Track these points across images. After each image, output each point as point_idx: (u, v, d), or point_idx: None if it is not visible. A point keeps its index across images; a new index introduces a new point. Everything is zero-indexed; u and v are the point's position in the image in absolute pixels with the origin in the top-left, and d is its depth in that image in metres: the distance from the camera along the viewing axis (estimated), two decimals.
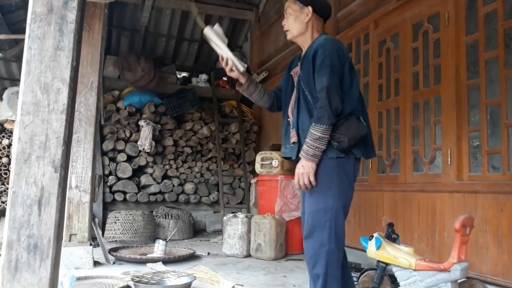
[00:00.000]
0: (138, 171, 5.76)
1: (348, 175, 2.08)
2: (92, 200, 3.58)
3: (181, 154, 6.00)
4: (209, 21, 6.77)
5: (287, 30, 2.26)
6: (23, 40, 1.50)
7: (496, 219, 2.61)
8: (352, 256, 3.80)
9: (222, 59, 2.22)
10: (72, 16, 1.41)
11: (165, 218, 5.28)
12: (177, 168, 5.93)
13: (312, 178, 2.01)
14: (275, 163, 4.47)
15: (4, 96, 4.82)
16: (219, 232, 5.65)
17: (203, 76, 6.59)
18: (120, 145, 5.62)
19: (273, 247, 4.01)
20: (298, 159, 2.11)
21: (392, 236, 2.32)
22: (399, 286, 2.26)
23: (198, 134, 6.07)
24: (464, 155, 2.92)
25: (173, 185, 5.86)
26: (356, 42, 4.15)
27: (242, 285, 2.92)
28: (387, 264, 2.28)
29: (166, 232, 5.08)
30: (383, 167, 3.75)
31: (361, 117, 2.12)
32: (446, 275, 2.09)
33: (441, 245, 2.98)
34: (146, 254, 3.83)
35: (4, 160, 4.41)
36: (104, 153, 5.56)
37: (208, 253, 4.28)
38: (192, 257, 3.94)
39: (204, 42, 7.04)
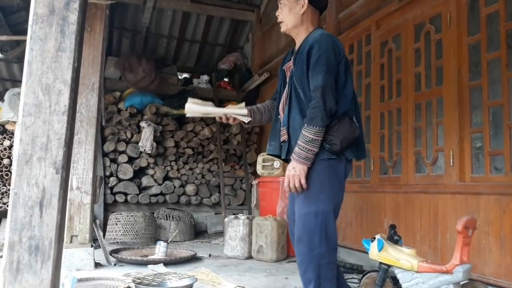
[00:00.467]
0: (139, 172, 5.76)
1: (339, 177, 2.04)
2: (93, 201, 3.58)
3: (182, 155, 5.99)
4: (210, 22, 6.78)
5: (281, 22, 2.18)
6: (24, 41, 1.50)
7: (499, 220, 2.60)
8: (354, 258, 3.80)
9: (221, 118, 2.20)
10: (73, 17, 1.41)
11: (166, 219, 5.28)
12: (178, 170, 5.92)
13: (303, 181, 1.96)
14: (277, 164, 4.47)
15: (6, 97, 4.82)
16: (221, 233, 5.64)
17: (204, 77, 6.59)
18: (121, 146, 5.62)
19: (275, 249, 4.00)
20: (287, 158, 2.08)
21: (394, 238, 2.31)
22: None
23: (199, 135, 6.07)
24: (466, 156, 2.91)
25: (174, 187, 5.85)
26: (358, 43, 4.15)
27: (243, 287, 2.91)
28: (389, 266, 2.27)
29: (167, 234, 5.08)
30: (385, 168, 3.74)
31: (354, 117, 2.07)
32: (449, 277, 2.08)
33: (443, 247, 2.97)
34: (147, 256, 3.83)
35: (6, 161, 4.41)
36: (105, 154, 5.56)
37: (210, 255, 4.27)
38: (193, 259, 3.93)
39: (205, 43, 7.06)
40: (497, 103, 2.84)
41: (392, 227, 2.35)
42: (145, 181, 5.72)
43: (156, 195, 5.74)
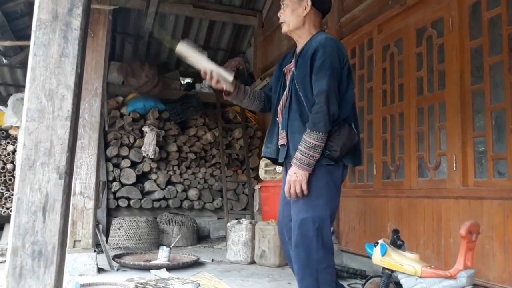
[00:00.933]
0: (142, 177, 5.76)
1: (336, 183, 2.03)
2: (96, 206, 3.58)
3: (185, 160, 6.00)
4: (212, 27, 6.81)
5: (282, 22, 2.16)
6: (28, 46, 1.51)
7: (502, 225, 2.59)
8: (357, 263, 3.78)
9: (205, 73, 2.10)
10: (76, 23, 1.42)
11: (169, 224, 5.27)
12: (181, 174, 5.93)
13: (304, 187, 1.95)
14: (279, 169, 4.46)
15: (9, 102, 4.85)
16: (223, 238, 5.63)
17: (207, 82, 6.60)
18: (124, 151, 5.63)
19: (278, 254, 3.99)
20: (286, 162, 2.07)
21: (397, 243, 2.30)
22: None
23: (202, 140, 6.08)
24: (469, 160, 2.90)
25: (177, 191, 5.85)
26: (360, 47, 4.15)
27: None
28: (392, 271, 2.26)
29: (170, 239, 5.07)
30: (387, 173, 3.73)
31: (353, 123, 2.05)
32: (452, 282, 2.07)
33: (447, 252, 2.96)
34: (150, 261, 3.82)
35: (9, 166, 4.42)
36: (108, 159, 5.56)
37: (212, 260, 4.27)
38: (196, 264, 3.92)
39: (207, 48, 7.07)
40: (499, 107, 2.84)
41: (395, 232, 2.34)
42: (148, 186, 5.72)
43: (158, 200, 5.74)
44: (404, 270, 2.20)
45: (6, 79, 6.59)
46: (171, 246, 3.96)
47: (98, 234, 3.63)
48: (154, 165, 5.75)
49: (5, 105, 4.92)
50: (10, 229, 1.32)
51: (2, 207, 4.35)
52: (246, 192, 6.16)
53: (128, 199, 5.57)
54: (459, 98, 2.96)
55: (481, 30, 2.89)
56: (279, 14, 2.18)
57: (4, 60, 6.17)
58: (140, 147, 5.63)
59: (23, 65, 5.98)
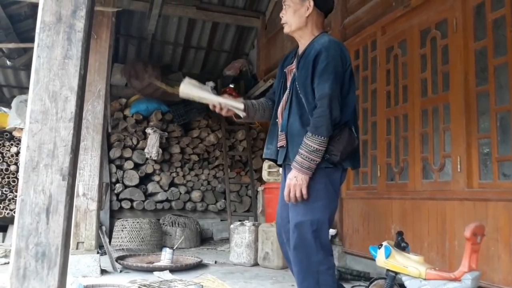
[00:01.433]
0: (145, 179, 5.76)
1: (334, 186, 2.02)
2: (99, 208, 3.58)
3: (188, 162, 6.00)
4: (215, 29, 6.81)
5: (284, 23, 2.14)
6: (32, 48, 1.52)
7: (507, 227, 2.57)
8: (361, 265, 3.77)
9: (215, 107, 2.11)
10: (80, 25, 1.42)
11: (172, 226, 5.27)
12: (184, 176, 5.93)
13: (304, 191, 1.94)
14: (283, 169, 4.45)
15: (13, 104, 4.86)
16: (226, 240, 5.62)
17: (210, 84, 6.59)
18: (127, 153, 5.64)
19: (281, 256, 3.97)
20: (285, 164, 2.06)
21: (401, 245, 2.28)
22: None
23: (205, 142, 6.08)
24: (474, 162, 2.88)
25: (180, 193, 5.85)
26: (364, 49, 4.15)
27: None
28: (396, 273, 2.25)
29: (173, 240, 5.07)
30: (392, 174, 3.72)
31: (353, 127, 2.04)
32: (457, 284, 2.05)
33: (451, 254, 2.94)
34: (153, 263, 3.82)
35: (13, 168, 4.44)
36: (111, 161, 5.57)
37: (215, 262, 4.26)
38: (199, 266, 3.92)
39: (211, 49, 7.09)
40: (504, 108, 2.82)
41: (400, 233, 2.33)
42: (151, 187, 5.72)
43: (162, 201, 5.74)
44: (408, 272, 2.18)
45: (10, 81, 6.61)
46: (174, 248, 3.96)
47: (101, 236, 3.63)
48: (157, 166, 5.76)
49: (9, 107, 4.93)
50: (13, 231, 1.32)
51: (6, 209, 4.36)
52: (249, 193, 6.15)
53: (131, 200, 5.57)
54: (464, 100, 2.95)
55: (486, 32, 2.88)
56: (281, 14, 2.16)
57: (8, 62, 6.19)
58: (143, 149, 5.64)
59: (27, 67, 5.99)
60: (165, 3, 5.55)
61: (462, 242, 2.77)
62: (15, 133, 4.60)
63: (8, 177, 4.42)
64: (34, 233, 1.30)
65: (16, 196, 4.28)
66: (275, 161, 2.21)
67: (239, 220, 4.95)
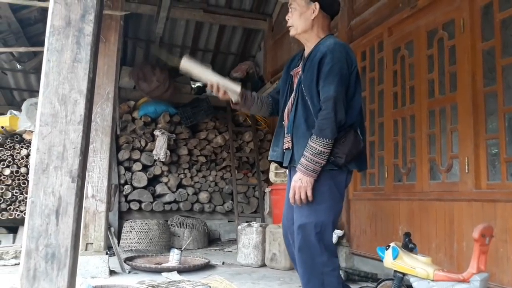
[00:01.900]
0: (153, 180, 5.80)
1: (339, 188, 2.02)
2: (108, 209, 3.61)
3: (196, 163, 6.03)
4: (222, 32, 6.84)
5: (290, 26, 2.14)
6: (41, 52, 1.54)
7: None
8: (368, 266, 3.76)
9: (211, 86, 2.10)
10: (89, 28, 1.44)
11: (180, 227, 5.30)
12: (191, 177, 5.96)
13: (309, 193, 1.94)
14: (289, 172, 4.45)
15: (23, 107, 4.92)
16: (234, 241, 5.64)
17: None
18: (136, 155, 5.68)
19: (288, 257, 3.97)
20: (291, 166, 2.07)
21: (409, 246, 2.28)
22: None
23: (212, 143, 6.10)
24: (482, 163, 2.87)
25: (188, 194, 5.88)
26: (370, 50, 4.14)
27: None
28: (404, 274, 2.24)
29: (181, 241, 5.09)
30: (399, 175, 3.70)
31: (359, 129, 2.03)
32: (466, 285, 2.04)
33: (459, 255, 2.93)
34: (161, 263, 3.84)
35: (23, 170, 4.49)
36: (119, 163, 5.61)
37: (223, 263, 4.27)
38: (207, 267, 3.94)
39: (218, 52, 7.12)
40: None
41: (407, 235, 2.32)
42: (159, 189, 5.75)
43: (170, 202, 5.77)
44: (416, 273, 2.18)
45: (20, 84, 6.69)
46: (182, 249, 3.98)
47: (110, 237, 3.66)
48: (165, 168, 5.79)
49: (19, 110, 4.99)
50: (24, 232, 1.34)
51: (16, 210, 4.41)
52: (257, 195, 6.16)
53: (140, 202, 5.61)
54: (471, 100, 2.93)
55: (493, 32, 2.87)
56: (287, 17, 2.17)
57: (19, 66, 6.27)
58: (151, 151, 5.67)
59: (37, 70, 6.07)
60: (173, 6, 5.58)
61: (470, 243, 2.75)
62: (26, 136, 4.66)
63: (19, 179, 4.48)
64: (44, 234, 1.32)
65: (26, 198, 4.33)
66: (280, 163, 2.21)
67: (247, 221, 4.95)
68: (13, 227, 4.53)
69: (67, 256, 1.32)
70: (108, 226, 3.64)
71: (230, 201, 6.07)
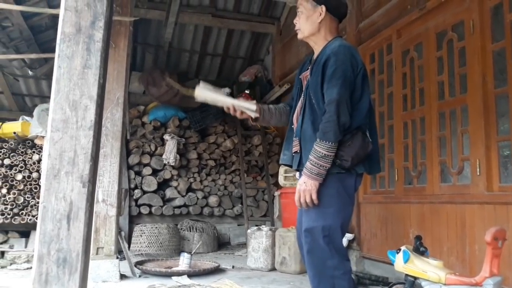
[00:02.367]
0: (163, 184, 5.83)
1: (348, 191, 2.00)
2: (119, 213, 3.63)
3: (205, 167, 6.04)
4: (231, 36, 6.87)
5: (298, 30, 2.16)
6: (52, 58, 1.56)
7: None
8: (379, 270, 3.73)
9: (229, 109, 2.16)
10: (99, 35, 1.46)
11: (190, 231, 5.31)
12: (201, 181, 5.97)
13: (314, 196, 1.93)
14: (299, 175, 4.45)
15: (35, 112, 4.98)
16: (243, 245, 5.63)
17: (226, 90, 6.63)
18: (146, 159, 5.71)
19: (298, 261, 3.96)
20: (299, 169, 2.06)
21: (420, 249, 2.26)
22: None
23: (221, 147, 6.12)
24: (493, 165, 2.83)
25: (197, 198, 5.90)
26: (379, 52, 4.13)
27: None
28: (415, 278, 2.22)
29: (191, 245, 5.10)
30: (409, 178, 3.68)
31: (368, 131, 2.01)
32: None
33: (472, 259, 2.89)
34: (172, 267, 3.85)
35: (35, 175, 4.54)
36: (130, 167, 5.65)
37: (233, 267, 4.27)
38: (216, 271, 3.94)
39: (226, 56, 7.14)
40: None
41: (418, 238, 2.30)
42: (168, 193, 5.78)
43: (179, 206, 5.79)
44: (427, 277, 2.16)
45: (31, 90, 6.78)
46: (192, 253, 3.99)
47: (121, 241, 3.68)
48: (175, 172, 5.81)
49: (31, 115, 5.05)
50: (36, 237, 1.35)
51: (28, 215, 4.46)
52: (266, 198, 6.15)
53: (150, 206, 5.64)
54: (482, 102, 2.91)
55: (504, 33, 2.84)
56: (294, 21, 2.18)
57: (30, 72, 6.35)
58: (161, 155, 5.70)
59: (48, 76, 6.14)
60: (181, 11, 5.62)
61: (482, 246, 2.72)
62: (37, 141, 4.71)
63: (31, 184, 4.52)
64: (56, 239, 1.33)
65: (38, 203, 4.37)
66: (291, 166, 2.22)
67: (256, 225, 4.95)
68: (25, 232, 4.57)
69: (79, 261, 1.34)
70: (119, 230, 3.67)
71: (240, 205, 6.07)
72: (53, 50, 1.55)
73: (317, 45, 2.14)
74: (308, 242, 1.98)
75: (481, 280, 2.02)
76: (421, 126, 3.51)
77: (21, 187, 4.49)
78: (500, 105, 2.91)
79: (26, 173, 4.53)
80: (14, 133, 4.70)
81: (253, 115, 2.16)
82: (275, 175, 5.98)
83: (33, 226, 4.36)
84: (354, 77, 1.97)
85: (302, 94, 2.13)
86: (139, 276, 3.65)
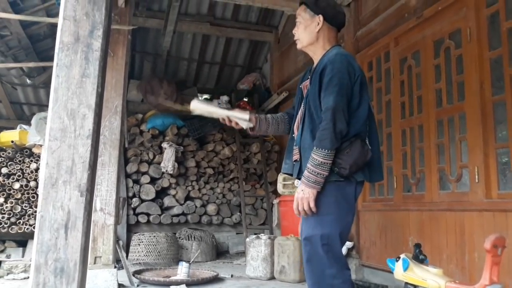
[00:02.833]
0: (161, 193, 5.80)
1: (347, 199, 1.99)
2: (117, 222, 3.61)
3: (203, 175, 6.03)
4: (229, 44, 6.89)
5: (297, 39, 2.18)
6: (51, 67, 1.56)
7: None
8: (378, 278, 3.71)
9: (224, 120, 2.21)
10: (97, 44, 1.46)
11: (188, 239, 5.28)
12: (199, 189, 5.95)
13: (312, 204, 1.92)
14: (298, 183, 4.44)
15: (33, 121, 4.97)
16: (242, 253, 5.60)
17: (224, 98, 6.66)
18: (144, 167, 5.70)
19: (298, 269, 3.95)
20: (300, 177, 2.05)
21: (419, 257, 2.25)
22: None
23: (220, 155, 6.11)
24: (492, 172, 2.84)
25: (196, 206, 5.87)
26: (377, 60, 4.14)
27: None
28: (415, 286, 2.21)
29: (189, 254, 5.08)
30: (408, 186, 3.67)
31: (368, 138, 2.01)
32: None
33: (471, 266, 2.88)
34: (170, 277, 3.83)
35: (32, 184, 4.52)
36: (128, 176, 5.63)
37: (232, 275, 4.24)
38: (215, 280, 3.91)
39: (224, 64, 7.17)
40: None
41: (417, 246, 2.29)
42: (167, 201, 5.76)
43: (178, 215, 5.76)
44: (427, 285, 2.15)
45: (29, 98, 6.77)
46: (190, 262, 3.96)
47: (118, 250, 3.66)
48: (173, 180, 5.79)
49: (29, 124, 5.05)
50: (33, 246, 1.34)
51: (26, 224, 4.43)
52: (265, 206, 6.13)
53: (148, 214, 5.61)
54: (480, 109, 2.92)
55: (500, 40, 2.86)
56: (293, 31, 2.20)
57: (28, 81, 6.36)
58: (159, 163, 5.69)
59: (46, 85, 6.14)
60: (180, 20, 5.65)
61: (482, 254, 2.71)
62: (35, 150, 4.69)
63: (28, 193, 4.50)
64: (53, 249, 1.32)
65: (35, 212, 4.35)
66: (292, 175, 2.22)
67: (255, 233, 4.93)
68: (23, 241, 4.54)
69: (76, 271, 1.33)
70: (117, 239, 3.64)
71: (238, 213, 6.04)
72: (51, 59, 1.56)
73: (316, 55, 2.15)
74: (307, 251, 1.97)
75: None
76: (419, 134, 3.52)
77: (19, 196, 4.47)
78: (498, 112, 2.92)
79: (24, 182, 4.51)
80: (12, 141, 4.69)
81: (245, 125, 2.19)
82: (274, 183, 5.98)
83: (31, 235, 4.33)
84: (351, 85, 1.97)
85: (303, 103, 2.13)
86: (137, 286, 3.62)
